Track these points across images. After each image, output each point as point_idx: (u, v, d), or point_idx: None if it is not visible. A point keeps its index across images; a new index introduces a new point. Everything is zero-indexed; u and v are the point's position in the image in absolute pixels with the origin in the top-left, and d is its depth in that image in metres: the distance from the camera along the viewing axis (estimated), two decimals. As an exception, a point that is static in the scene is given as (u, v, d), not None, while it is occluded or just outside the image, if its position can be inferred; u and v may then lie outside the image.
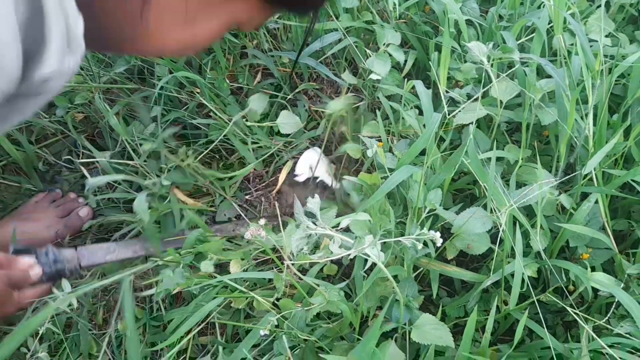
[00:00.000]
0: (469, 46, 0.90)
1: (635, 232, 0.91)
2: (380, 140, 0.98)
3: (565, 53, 0.84)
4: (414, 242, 0.76)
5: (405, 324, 0.82)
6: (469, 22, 1.08)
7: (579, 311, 0.88)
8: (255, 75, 1.21)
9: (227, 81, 1.17)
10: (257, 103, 1.14)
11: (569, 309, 0.72)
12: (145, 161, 1.11)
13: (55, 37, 0.39)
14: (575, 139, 0.86)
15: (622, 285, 0.80)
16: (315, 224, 0.77)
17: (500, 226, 0.78)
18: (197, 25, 0.57)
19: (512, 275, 0.86)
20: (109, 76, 1.15)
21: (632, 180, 0.83)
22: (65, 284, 0.97)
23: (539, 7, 1.09)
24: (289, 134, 1.18)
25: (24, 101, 0.43)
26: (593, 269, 0.88)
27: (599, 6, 1.07)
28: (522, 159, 0.91)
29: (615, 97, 1.02)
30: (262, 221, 0.72)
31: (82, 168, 1.14)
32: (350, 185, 0.93)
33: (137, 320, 1.07)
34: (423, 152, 0.90)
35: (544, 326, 0.77)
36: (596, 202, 0.85)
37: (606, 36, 1.04)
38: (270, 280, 0.99)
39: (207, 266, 0.98)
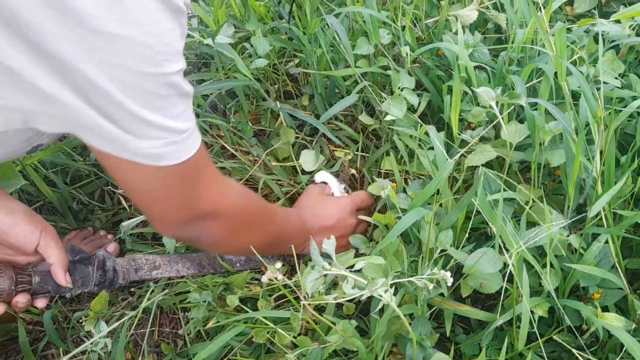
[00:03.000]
0: (477, 92, 0.94)
1: (649, 271, 0.92)
2: (394, 181, 1.02)
3: (569, 98, 0.87)
4: (426, 282, 0.79)
5: (419, 362, 0.85)
6: (481, 66, 1.13)
7: (593, 350, 0.89)
8: (278, 118, 1.27)
9: (250, 124, 1.23)
10: (307, 157, 1.20)
11: (573, 349, 0.73)
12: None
13: None
14: (584, 181, 0.88)
15: (634, 325, 0.81)
16: (330, 265, 0.81)
17: (509, 266, 0.81)
18: None
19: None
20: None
21: (641, 221, 0.85)
22: (102, 324, 1.02)
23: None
24: (312, 171, 1.23)
25: None
26: (606, 309, 0.89)
27: (609, 49, 1.10)
28: (532, 200, 0.93)
29: (628, 137, 1.04)
30: (279, 264, 0.76)
31: (122, 201, 1.20)
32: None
33: (164, 356, 1.12)
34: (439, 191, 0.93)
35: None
36: (607, 242, 0.86)
37: (616, 78, 1.07)
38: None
39: (232, 300, 1.03)
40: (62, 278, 0.84)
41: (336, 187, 1.10)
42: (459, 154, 0.86)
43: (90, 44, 0.49)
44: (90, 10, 0.47)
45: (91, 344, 0.98)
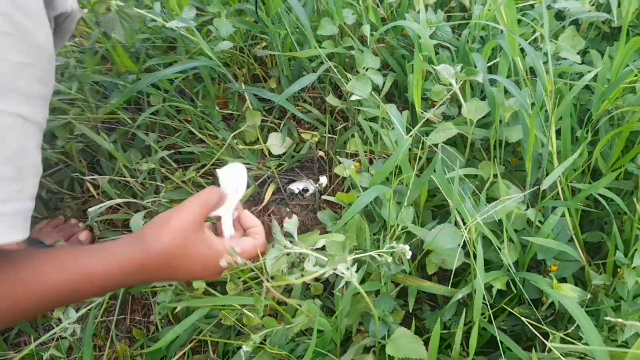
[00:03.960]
0: (437, 69, 0.94)
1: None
2: (359, 161, 1.03)
3: (524, 74, 0.88)
4: (385, 256, 0.80)
5: (383, 338, 0.86)
6: (445, 45, 1.13)
7: (553, 322, 0.91)
8: (245, 102, 1.27)
9: (217, 108, 1.23)
10: (274, 140, 1.19)
11: (522, 318, 0.75)
12: (143, 181, 1.18)
13: None
14: (541, 155, 0.89)
15: (590, 295, 0.83)
16: (292, 243, 0.82)
17: (471, 241, 0.82)
18: None
19: (488, 288, 0.90)
20: (105, 107, 1.22)
21: (597, 194, 0.87)
22: (71, 311, 1.02)
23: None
24: (280, 155, 1.23)
25: (56, 36, 0.51)
26: (565, 280, 0.91)
27: (570, 25, 1.11)
28: (493, 176, 0.94)
29: (588, 113, 1.05)
30: (238, 249, 0.76)
31: (91, 188, 1.20)
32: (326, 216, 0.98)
33: (135, 341, 1.12)
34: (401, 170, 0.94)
35: (518, 339, 0.80)
36: (563, 215, 0.88)
37: (577, 53, 1.08)
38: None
39: (199, 283, 1.03)
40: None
41: (227, 226, 0.77)
42: (414, 130, 0.86)
43: None
44: None
45: (59, 329, 0.98)
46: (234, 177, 0.77)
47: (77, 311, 1.10)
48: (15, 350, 1.15)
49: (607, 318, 0.63)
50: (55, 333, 1.02)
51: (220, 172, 0.77)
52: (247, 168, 1.11)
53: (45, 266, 0.53)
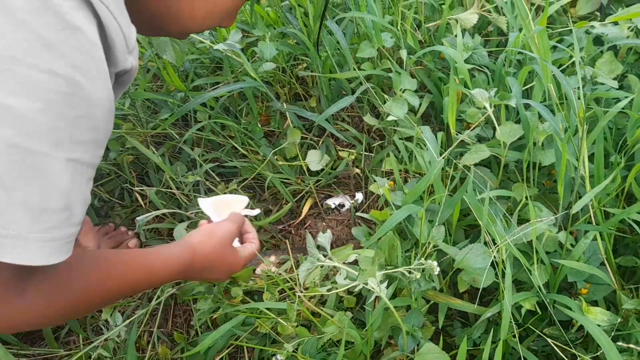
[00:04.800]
0: (472, 93, 0.97)
1: (641, 268, 0.93)
2: (392, 180, 1.06)
3: (556, 100, 0.90)
4: (414, 272, 0.83)
5: (412, 353, 0.89)
6: (482, 69, 1.16)
7: (583, 345, 0.92)
8: (286, 119, 1.33)
9: (259, 125, 1.29)
10: (313, 157, 1.25)
11: (549, 340, 0.76)
12: (188, 193, 1.25)
13: (119, 45, 0.52)
14: (573, 179, 0.91)
15: (620, 319, 0.84)
16: (325, 257, 0.86)
17: (500, 261, 0.84)
18: None
19: (518, 308, 0.91)
20: (155, 122, 1.30)
21: (629, 218, 0.87)
22: (117, 315, 1.10)
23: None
24: (318, 171, 1.28)
25: (117, 86, 0.58)
26: (596, 303, 0.91)
27: (608, 50, 1.12)
28: (525, 198, 0.96)
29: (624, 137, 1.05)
30: (273, 258, 0.81)
31: (139, 198, 1.28)
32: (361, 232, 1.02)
33: (176, 345, 1.18)
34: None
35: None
36: (595, 239, 0.89)
37: (614, 79, 1.08)
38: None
39: (237, 292, 1.08)
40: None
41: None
42: (446, 153, 0.89)
43: None
44: None
45: (112, 334, 1.05)
46: (226, 204, 0.98)
47: (122, 314, 1.17)
48: (65, 348, 1.23)
49: (631, 346, 0.64)
50: (103, 337, 1.09)
51: (204, 202, 0.99)
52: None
53: (120, 264, 0.70)
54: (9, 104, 0.45)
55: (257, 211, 0.94)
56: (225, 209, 0.97)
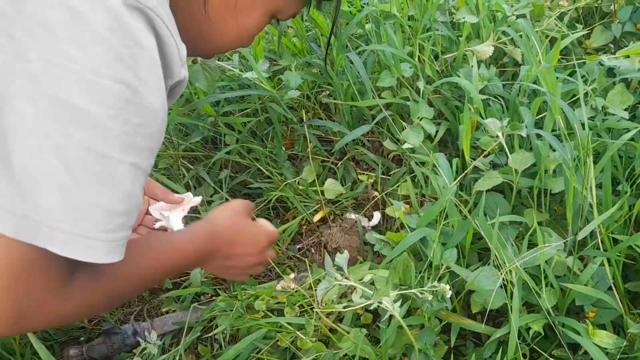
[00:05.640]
0: (485, 122, 1.02)
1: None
2: (408, 204, 1.11)
3: (564, 131, 0.94)
4: (426, 293, 0.88)
5: (424, 370, 0.93)
6: (497, 98, 1.21)
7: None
8: (310, 143, 1.40)
9: (284, 149, 1.36)
10: (331, 185, 1.32)
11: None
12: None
13: (175, 58, 0.59)
14: (582, 207, 0.95)
15: (626, 343, 0.87)
16: (342, 276, 0.91)
17: (509, 283, 0.89)
18: (243, 16, 0.73)
19: (527, 329, 0.95)
20: (187, 145, 1.38)
21: (636, 245, 0.91)
22: (154, 334, 1.17)
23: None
24: (333, 200, 1.34)
25: (169, 97, 0.63)
26: (604, 327, 0.94)
27: (620, 81, 1.16)
28: (536, 223, 1.00)
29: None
30: (292, 275, 0.87)
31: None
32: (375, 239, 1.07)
33: (201, 357, 1.24)
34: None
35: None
36: (602, 264, 0.92)
37: (626, 109, 1.12)
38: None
39: (260, 305, 1.14)
40: (176, 199, 0.94)
41: (177, 222, 0.94)
42: (458, 179, 0.94)
43: (50, 109, 0.51)
44: (57, 76, 0.50)
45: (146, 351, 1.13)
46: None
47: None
48: None
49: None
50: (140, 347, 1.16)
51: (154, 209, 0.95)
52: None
53: (154, 249, 0.72)
54: (87, 109, 0.51)
55: (199, 198, 0.95)
56: (175, 208, 0.95)
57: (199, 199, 0.93)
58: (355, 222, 1.29)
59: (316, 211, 1.36)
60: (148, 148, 0.57)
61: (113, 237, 0.55)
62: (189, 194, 0.95)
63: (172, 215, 0.92)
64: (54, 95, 0.49)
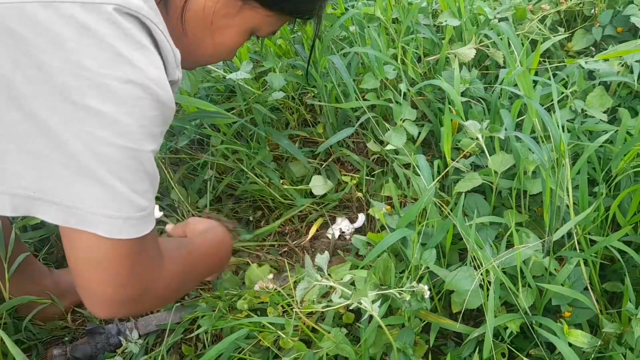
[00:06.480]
0: (465, 124, 1.04)
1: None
2: (391, 204, 1.12)
3: (541, 133, 0.96)
4: (404, 293, 0.89)
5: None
6: (478, 100, 1.22)
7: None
8: (295, 143, 1.40)
9: (268, 149, 1.37)
10: (317, 182, 1.33)
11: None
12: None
13: (170, 60, 0.66)
14: (559, 208, 0.96)
15: (601, 342, 0.88)
16: (322, 277, 0.92)
17: (485, 283, 0.90)
18: (219, 34, 0.78)
19: (505, 329, 0.96)
20: (172, 146, 1.38)
21: (611, 246, 0.92)
22: (135, 333, 1.17)
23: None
24: (321, 195, 1.35)
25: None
26: (580, 326, 0.96)
27: (600, 84, 1.18)
28: (514, 224, 1.01)
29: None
30: (271, 275, 0.88)
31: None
32: (360, 242, 1.07)
33: (184, 357, 1.24)
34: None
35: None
36: (579, 265, 0.94)
37: (605, 111, 1.14)
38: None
39: (242, 304, 1.15)
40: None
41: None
42: (436, 180, 0.95)
43: (67, 111, 0.57)
44: (74, 84, 0.56)
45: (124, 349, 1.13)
46: None
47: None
48: None
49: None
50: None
51: None
52: None
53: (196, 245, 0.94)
54: (104, 111, 0.57)
55: (160, 213, 1.02)
56: None
57: (158, 214, 1.00)
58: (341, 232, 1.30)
59: (302, 212, 1.37)
60: (161, 133, 0.64)
61: (147, 210, 0.64)
62: (156, 207, 1.01)
63: None
64: (73, 101, 0.56)
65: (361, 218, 1.31)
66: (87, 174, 0.59)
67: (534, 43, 1.34)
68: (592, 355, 0.88)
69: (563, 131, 0.92)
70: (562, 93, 1.16)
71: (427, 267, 0.99)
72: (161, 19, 0.65)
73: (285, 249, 1.36)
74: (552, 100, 1.17)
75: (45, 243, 1.44)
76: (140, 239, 0.65)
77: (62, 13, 0.55)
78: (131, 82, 0.58)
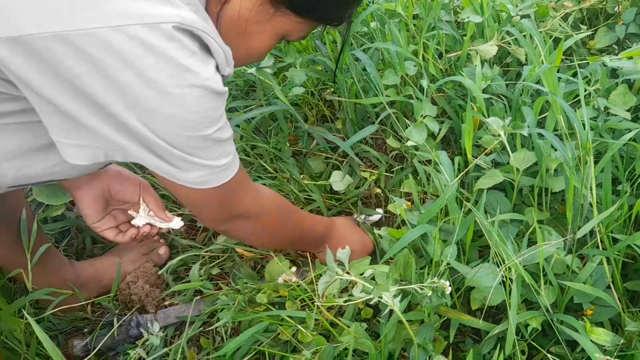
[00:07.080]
0: (487, 121, 1.03)
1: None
2: (410, 201, 1.12)
3: (565, 130, 0.95)
4: (426, 289, 0.89)
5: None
6: (500, 97, 1.22)
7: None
8: (314, 140, 1.41)
9: (288, 145, 1.37)
10: (336, 177, 1.34)
11: (555, 358, 0.81)
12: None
13: (220, 60, 0.73)
14: (582, 206, 0.95)
15: (623, 340, 0.88)
16: (342, 271, 0.93)
17: (507, 280, 0.90)
18: (253, 39, 0.82)
19: (526, 326, 0.96)
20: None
21: (635, 244, 0.91)
22: (156, 326, 1.19)
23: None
24: (342, 190, 1.35)
25: None
26: (602, 324, 0.95)
27: (623, 82, 1.17)
28: (536, 221, 1.01)
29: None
30: (294, 269, 0.88)
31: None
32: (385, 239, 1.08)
33: (202, 349, 1.26)
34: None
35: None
36: (601, 263, 0.93)
37: (628, 110, 1.13)
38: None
39: (261, 298, 1.16)
40: (164, 216, 1.04)
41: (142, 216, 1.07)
42: (459, 177, 0.95)
43: (145, 116, 0.69)
44: (144, 93, 0.67)
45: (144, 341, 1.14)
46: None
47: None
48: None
49: None
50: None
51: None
52: None
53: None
54: (173, 113, 0.68)
55: (180, 223, 1.06)
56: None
57: (179, 224, 1.05)
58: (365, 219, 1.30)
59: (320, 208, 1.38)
60: (223, 112, 0.75)
61: (226, 163, 0.80)
62: (177, 219, 1.05)
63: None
64: (149, 109, 0.67)
65: (380, 214, 1.31)
66: (179, 161, 0.74)
67: (556, 41, 1.33)
68: (614, 354, 0.87)
69: (585, 129, 0.91)
70: (585, 91, 1.15)
71: (448, 264, 0.99)
72: (212, 26, 0.74)
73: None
74: (574, 97, 1.16)
75: (65, 235, 1.46)
76: (226, 183, 0.82)
77: (130, 35, 0.63)
78: (192, 85, 0.68)
